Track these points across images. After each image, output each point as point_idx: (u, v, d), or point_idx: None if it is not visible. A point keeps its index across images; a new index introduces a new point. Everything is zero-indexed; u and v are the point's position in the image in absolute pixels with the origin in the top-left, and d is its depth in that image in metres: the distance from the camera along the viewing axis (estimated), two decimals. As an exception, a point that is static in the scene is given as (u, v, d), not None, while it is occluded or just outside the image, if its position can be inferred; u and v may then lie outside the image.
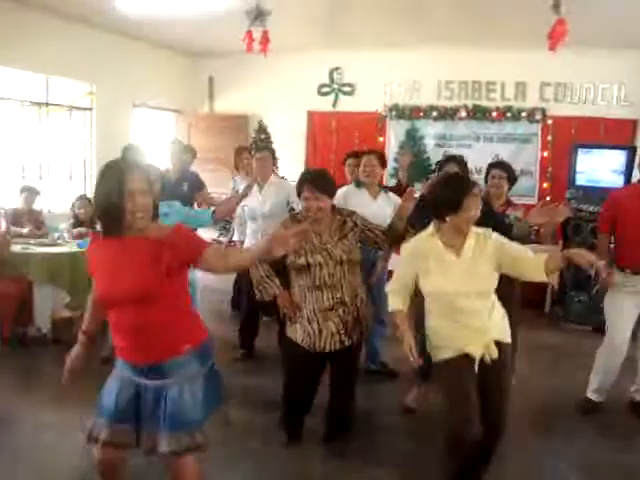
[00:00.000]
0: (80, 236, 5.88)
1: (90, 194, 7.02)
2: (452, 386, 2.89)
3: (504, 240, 2.93)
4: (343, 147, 8.05)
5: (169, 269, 2.22)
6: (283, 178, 5.74)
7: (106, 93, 7.38)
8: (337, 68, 8.29)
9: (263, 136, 7.97)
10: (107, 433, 2.34)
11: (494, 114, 7.66)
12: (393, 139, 8.09)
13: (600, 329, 5.12)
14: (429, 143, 7.97)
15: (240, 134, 8.57)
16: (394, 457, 3.56)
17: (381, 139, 8.11)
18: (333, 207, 3.41)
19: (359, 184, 4.72)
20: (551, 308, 6.75)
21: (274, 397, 3.81)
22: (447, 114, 7.83)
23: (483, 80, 7.73)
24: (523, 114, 7.56)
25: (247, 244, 5.00)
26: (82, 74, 7.09)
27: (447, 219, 2.85)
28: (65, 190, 7.20)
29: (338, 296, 3.27)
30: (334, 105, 8.38)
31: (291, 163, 7.60)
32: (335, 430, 3.62)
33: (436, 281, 2.87)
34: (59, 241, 5.64)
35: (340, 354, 3.36)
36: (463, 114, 7.77)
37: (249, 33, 5.54)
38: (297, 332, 3.37)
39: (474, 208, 2.84)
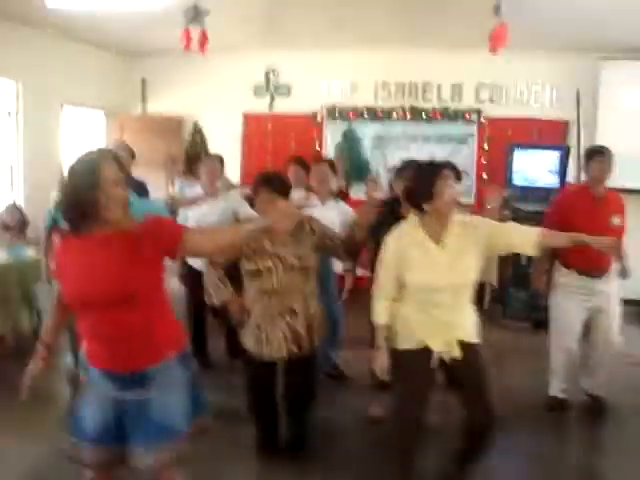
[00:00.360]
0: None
1: (19, 201, 6.68)
2: (405, 379, 2.80)
3: (492, 221, 2.85)
4: (279, 150, 7.95)
5: (150, 263, 2.06)
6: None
7: (33, 92, 7.01)
8: (273, 69, 8.11)
9: (198, 139, 7.74)
10: (93, 455, 2.17)
11: (431, 115, 7.63)
12: (330, 141, 7.96)
13: (540, 325, 5.11)
14: (367, 144, 7.87)
15: (174, 137, 8.29)
16: (350, 461, 3.48)
17: (318, 141, 7.97)
18: None
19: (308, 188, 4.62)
20: (490, 305, 6.72)
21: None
22: (384, 115, 7.76)
23: (420, 81, 7.69)
24: (459, 115, 7.57)
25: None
26: (6, 71, 6.72)
27: (425, 207, 2.70)
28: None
29: (287, 303, 3.12)
30: (270, 107, 8.19)
31: (227, 167, 7.36)
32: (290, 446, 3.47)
33: (422, 275, 2.71)
34: None
35: (291, 364, 3.23)
36: (400, 115, 7.72)
37: (187, 32, 5.33)
38: (248, 339, 3.25)
39: (448, 191, 2.68)
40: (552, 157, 6.49)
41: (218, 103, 8.12)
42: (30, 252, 5.37)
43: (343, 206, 4.58)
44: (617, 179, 5.91)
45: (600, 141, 6.54)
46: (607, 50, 6.77)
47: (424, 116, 7.64)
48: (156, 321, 2.14)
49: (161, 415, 2.11)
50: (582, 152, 6.45)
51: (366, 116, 7.81)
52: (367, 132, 7.86)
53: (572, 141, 7.12)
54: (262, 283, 3.12)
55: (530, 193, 6.36)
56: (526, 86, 7.46)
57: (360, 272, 5.55)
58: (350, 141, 7.90)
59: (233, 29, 6.89)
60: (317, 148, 7.94)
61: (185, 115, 8.33)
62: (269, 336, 3.14)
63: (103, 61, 8.25)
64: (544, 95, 7.42)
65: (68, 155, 7.67)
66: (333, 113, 7.91)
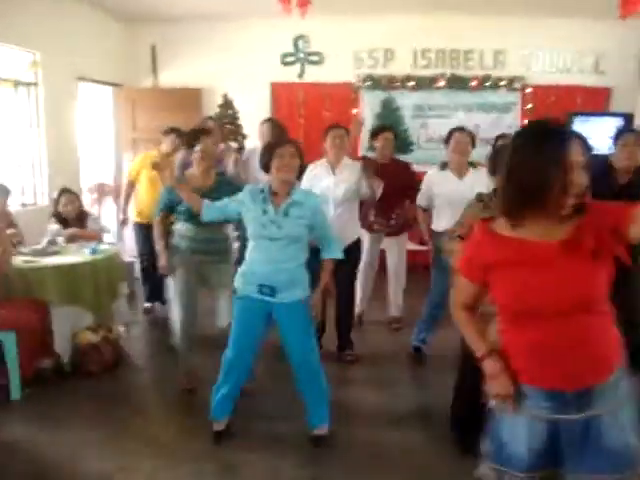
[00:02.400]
0: (73, 239, 4.95)
1: (51, 186, 6.00)
2: None
3: None
4: (312, 121, 7.60)
5: (601, 257, 1.75)
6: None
7: (51, 64, 6.24)
8: (302, 36, 7.65)
9: (230, 111, 7.20)
10: None
11: (473, 83, 7.48)
12: (368, 111, 7.66)
13: None
14: (406, 114, 7.64)
15: (192, 110, 7.68)
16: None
17: (355, 111, 7.64)
18: None
19: (444, 165, 4.39)
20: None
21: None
22: (424, 84, 7.54)
23: (461, 48, 7.50)
24: (502, 83, 7.46)
25: None
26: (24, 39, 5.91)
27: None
28: (15, 180, 6.03)
29: None
30: (300, 76, 7.75)
31: (255, 140, 6.92)
32: None
33: None
34: (55, 248, 4.67)
35: None
36: (441, 84, 7.52)
37: None
38: None
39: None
40: (614, 124, 6.52)
41: (242, 72, 7.60)
42: (112, 250, 4.82)
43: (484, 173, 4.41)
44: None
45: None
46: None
47: (466, 84, 7.48)
48: (608, 328, 1.87)
49: (614, 438, 1.84)
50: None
51: (405, 85, 7.56)
52: (406, 102, 7.63)
53: (617, 107, 7.25)
54: None
55: (593, 162, 6.37)
56: (568, 53, 7.43)
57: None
58: (389, 111, 7.64)
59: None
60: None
61: (204, 86, 7.74)
62: None
63: (104, 27, 7.48)
64: (587, 62, 7.44)
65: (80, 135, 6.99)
66: (370, 82, 7.59)
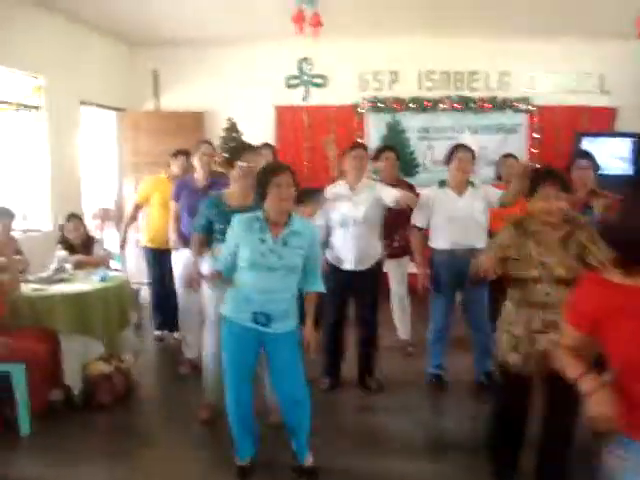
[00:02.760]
0: (79, 265, 4.81)
1: (54, 211, 5.89)
2: None
3: None
4: (317, 143, 7.51)
5: None
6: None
7: (55, 88, 6.15)
8: (306, 59, 7.62)
9: (234, 134, 7.12)
10: None
11: (478, 104, 7.45)
12: (373, 133, 7.60)
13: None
14: (412, 136, 7.59)
15: (195, 134, 7.58)
16: None
17: (360, 134, 7.58)
18: None
19: (442, 183, 4.34)
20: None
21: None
22: (430, 106, 7.50)
23: (465, 70, 7.49)
24: (508, 104, 7.44)
25: (334, 255, 4.37)
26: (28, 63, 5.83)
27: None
28: (18, 206, 5.89)
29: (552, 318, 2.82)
30: (305, 98, 7.70)
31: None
32: None
33: None
34: (63, 275, 4.53)
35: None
36: (446, 105, 7.48)
37: (300, 13, 4.81)
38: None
39: None
40: (623, 145, 6.50)
41: (245, 95, 7.53)
42: (122, 277, 4.69)
43: (485, 189, 4.39)
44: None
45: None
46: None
47: (471, 106, 7.46)
48: None
49: None
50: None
51: (411, 107, 7.51)
52: (412, 124, 7.58)
53: (622, 127, 7.23)
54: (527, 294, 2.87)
55: (602, 181, 6.33)
56: (573, 73, 7.42)
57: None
58: (395, 133, 7.59)
59: (263, 17, 6.42)
60: (359, 140, 7.55)
61: (207, 110, 7.66)
62: (529, 349, 2.88)
63: (107, 51, 7.42)
64: (592, 82, 7.42)
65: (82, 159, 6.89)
66: (375, 104, 7.54)
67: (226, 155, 6.64)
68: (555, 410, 2.94)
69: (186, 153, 5.38)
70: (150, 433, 3.90)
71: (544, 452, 3.03)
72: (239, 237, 3.06)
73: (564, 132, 7.29)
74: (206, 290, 3.85)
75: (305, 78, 7.67)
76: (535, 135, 7.45)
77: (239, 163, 3.63)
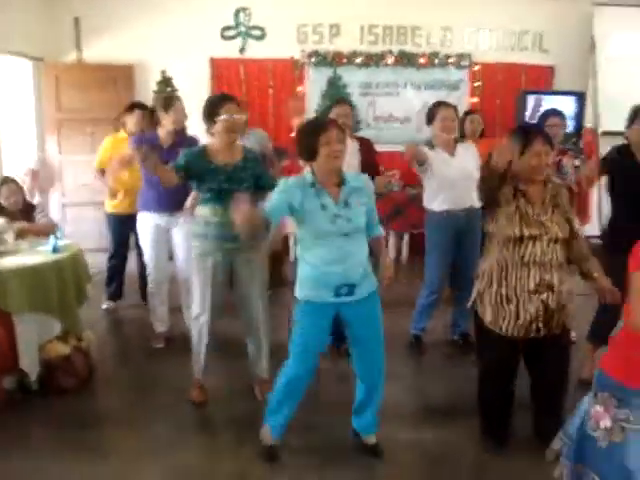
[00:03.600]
0: (22, 235, 4.31)
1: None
2: None
3: None
4: (255, 98, 7.23)
5: None
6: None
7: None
8: (244, 8, 7.19)
9: (169, 89, 6.67)
10: None
11: (421, 60, 7.32)
12: (313, 88, 7.34)
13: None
14: (354, 92, 7.35)
15: (124, 88, 7.08)
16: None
17: (300, 88, 7.31)
18: None
19: (430, 144, 4.19)
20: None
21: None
22: (372, 61, 7.30)
23: (408, 24, 7.31)
24: (450, 60, 7.34)
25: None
26: None
27: None
28: None
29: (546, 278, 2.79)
30: (242, 51, 7.30)
31: (196, 119, 6.44)
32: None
33: None
34: (5, 247, 3.98)
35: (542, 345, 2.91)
36: (389, 60, 7.31)
37: None
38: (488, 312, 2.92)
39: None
40: (566, 102, 6.57)
41: (178, 47, 7.04)
42: (75, 247, 4.16)
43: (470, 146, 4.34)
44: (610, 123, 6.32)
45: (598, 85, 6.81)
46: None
47: (414, 61, 7.31)
48: None
49: None
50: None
51: (352, 61, 7.28)
52: (353, 79, 7.35)
53: (560, 85, 7.34)
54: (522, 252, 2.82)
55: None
56: (513, 31, 7.42)
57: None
58: (336, 88, 7.34)
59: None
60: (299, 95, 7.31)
61: (136, 62, 7.13)
62: (519, 311, 2.83)
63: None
64: (530, 41, 7.45)
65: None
66: (316, 58, 7.26)
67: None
68: (547, 369, 2.94)
69: (142, 106, 4.96)
70: (124, 418, 3.48)
71: (540, 411, 3.05)
72: (297, 203, 2.72)
73: (505, 89, 7.33)
74: (183, 252, 3.63)
75: (242, 29, 7.24)
76: (476, 92, 7.42)
77: (222, 116, 3.26)
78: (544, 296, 2.76)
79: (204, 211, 3.38)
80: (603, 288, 2.72)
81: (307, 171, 2.88)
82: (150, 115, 4.62)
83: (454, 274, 4.33)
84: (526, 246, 2.76)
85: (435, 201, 4.20)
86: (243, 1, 7.14)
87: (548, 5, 7.19)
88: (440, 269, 4.24)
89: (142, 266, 4.94)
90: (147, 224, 4.31)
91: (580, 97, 6.77)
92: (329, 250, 2.74)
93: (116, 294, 5.26)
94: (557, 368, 2.94)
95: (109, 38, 7.13)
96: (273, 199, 2.77)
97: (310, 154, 2.73)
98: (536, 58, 7.43)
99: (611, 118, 6.45)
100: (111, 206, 5.08)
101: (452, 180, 4.06)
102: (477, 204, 3.93)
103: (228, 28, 7.25)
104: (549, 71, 7.43)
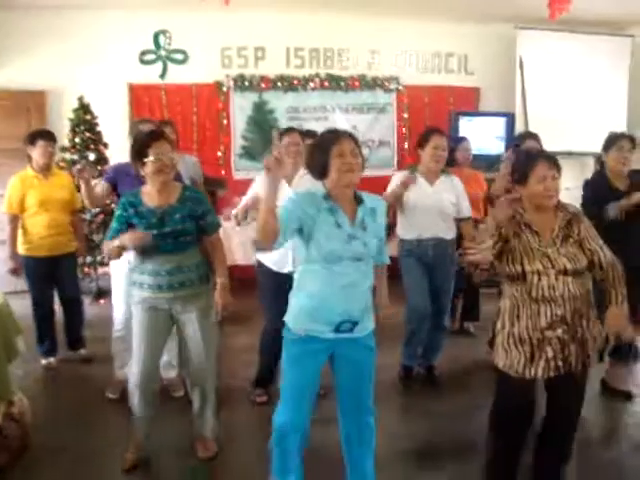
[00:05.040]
0: None
1: None
2: None
3: None
4: (178, 124, 6.80)
5: None
6: None
7: None
8: (164, 31, 6.87)
9: (88, 117, 6.25)
10: None
11: (348, 83, 7.22)
12: (239, 114, 7.08)
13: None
14: (280, 117, 7.16)
15: (36, 116, 6.61)
16: None
17: (225, 115, 7.04)
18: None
19: (414, 168, 4.02)
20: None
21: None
22: (299, 84, 7.13)
23: (335, 47, 7.21)
24: (377, 83, 7.28)
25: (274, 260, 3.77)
26: None
27: None
28: None
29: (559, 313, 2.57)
30: (162, 76, 6.96)
31: (116, 147, 6.07)
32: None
33: None
34: None
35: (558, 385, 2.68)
36: (316, 84, 7.15)
37: None
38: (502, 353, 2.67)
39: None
40: (498, 124, 6.60)
41: (94, 72, 6.66)
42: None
43: (455, 181, 4.11)
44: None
45: (527, 106, 6.92)
46: (520, 20, 7.04)
47: (341, 84, 7.20)
48: None
49: None
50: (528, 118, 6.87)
51: (278, 86, 7.09)
52: (280, 103, 7.15)
53: (485, 107, 7.42)
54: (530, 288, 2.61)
55: (479, 160, 6.40)
56: (438, 54, 7.48)
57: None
58: (262, 113, 7.13)
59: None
60: (224, 121, 7.04)
61: (49, 88, 6.66)
62: (534, 351, 2.60)
63: None
64: (456, 63, 7.51)
65: None
66: (241, 82, 7.02)
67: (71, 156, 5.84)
68: (557, 417, 2.73)
69: (46, 134, 4.52)
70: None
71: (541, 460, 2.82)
72: (308, 217, 2.44)
73: (432, 111, 7.34)
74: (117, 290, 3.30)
75: (162, 53, 6.92)
76: (404, 114, 7.40)
77: (151, 157, 2.92)
78: (559, 332, 2.54)
79: (140, 259, 3.03)
80: (608, 324, 2.55)
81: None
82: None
83: (431, 305, 4.12)
84: (531, 282, 2.54)
85: (406, 229, 4.03)
86: (163, 24, 6.82)
87: (472, 28, 7.28)
88: (419, 293, 3.99)
89: (68, 313, 4.64)
90: (121, 270, 3.81)
91: (510, 118, 6.82)
92: (337, 276, 2.47)
93: (52, 349, 4.66)
94: (570, 407, 2.72)
95: (18, 61, 6.61)
96: (281, 215, 2.41)
97: (322, 168, 2.48)
98: (462, 80, 7.50)
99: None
100: (25, 247, 4.49)
101: (425, 209, 3.90)
102: (448, 236, 3.92)
103: (147, 52, 6.91)
104: (475, 92, 7.52)
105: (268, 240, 2.36)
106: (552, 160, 2.60)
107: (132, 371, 3.12)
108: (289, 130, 3.90)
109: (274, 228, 2.32)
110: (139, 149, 2.97)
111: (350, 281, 2.47)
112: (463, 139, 5.23)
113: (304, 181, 3.52)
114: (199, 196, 3.19)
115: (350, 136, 2.53)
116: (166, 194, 3.02)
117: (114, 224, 2.98)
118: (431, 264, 3.99)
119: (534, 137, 4.38)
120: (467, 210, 4.06)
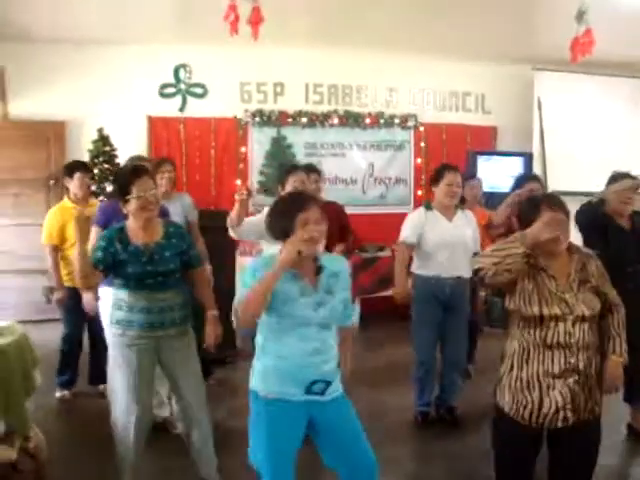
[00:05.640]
0: None
1: None
2: None
3: None
4: (195, 158, 6.94)
5: None
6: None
7: None
8: (184, 65, 6.93)
9: (107, 148, 6.26)
10: None
11: (366, 120, 7.25)
12: (257, 148, 7.10)
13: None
14: (298, 152, 7.17)
15: (55, 147, 6.65)
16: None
17: (243, 149, 7.05)
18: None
19: (429, 206, 3.99)
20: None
21: None
22: (317, 120, 7.16)
23: (353, 84, 7.27)
24: (395, 120, 7.31)
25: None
26: None
27: None
28: None
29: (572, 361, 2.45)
30: (181, 109, 7.01)
31: None
32: None
33: None
34: None
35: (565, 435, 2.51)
36: (334, 120, 7.19)
37: (232, 7, 3.96)
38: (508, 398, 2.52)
39: None
40: (515, 164, 6.60)
41: (114, 104, 6.70)
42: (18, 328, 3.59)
43: (470, 215, 4.16)
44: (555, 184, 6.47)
45: (545, 146, 6.93)
46: (538, 61, 7.09)
47: (359, 121, 7.24)
48: None
49: None
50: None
51: (297, 121, 7.12)
52: (298, 139, 7.17)
53: (502, 146, 7.45)
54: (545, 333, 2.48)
55: (496, 199, 6.37)
56: (456, 92, 7.55)
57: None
58: (280, 148, 7.14)
59: (139, 20, 5.87)
60: (242, 156, 7.05)
61: (69, 119, 6.69)
62: (542, 398, 2.47)
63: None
64: (473, 102, 7.57)
65: None
66: (260, 117, 7.05)
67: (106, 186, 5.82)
68: (564, 473, 2.57)
69: (83, 167, 4.56)
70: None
71: None
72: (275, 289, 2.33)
73: (449, 150, 7.35)
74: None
75: (182, 87, 6.97)
76: (422, 152, 7.42)
77: (134, 194, 2.88)
78: (570, 381, 2.42)
79: (126, 296, 2.95)
80: (608, 376, 2.47)
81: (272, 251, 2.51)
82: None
83: (443, 347, 4.08)
84: (548, 327, 2.42)
85: (424, 266, 3.96)
86: (183, 58, 6.88)
87: (489, 68, 7.34)
88: (429, 340, 3.97)
89: (96, 351, 4.51)
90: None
91: (528, 158, 6.83)
92: (301, 340, 2.36)
93: (71, 382, 4.61)
94: (584, 462, 2.55)
95: (39, 92, 6.66)
96: (246, 283, 2.35)
97: (284, 234, 2.36)
98: (479, 119, 7.54)
99: (557, 178, 6.57)
100: (67, 278, 4.45)
101: (446, 246, 3.85)
102: (467, 274, 3.69)
103: (167, 85, 6.96)
104: (492, 131, 7.55)
105: (255, 319, 2.34)
106: (557, 204, 2.49)
107: (122, 412, 3.01)
108: (293, 170, 3.84)
109: (264, 307, 2.29)
110: (122, 186, 2.94)
111: (320, 345, 2.38)
112: (471, 177, 5.18)
113: None
114: (182, 231, 3.19)
115: (316, 202, 2.44)
116: (150, 231, 2.98)
117: (98, 253, 2.87)
118: (447, 303, 3.92)
119: (535, 179, 4.34)
120: (478, 246, 4.03)
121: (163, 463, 3.44)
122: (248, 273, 2.38)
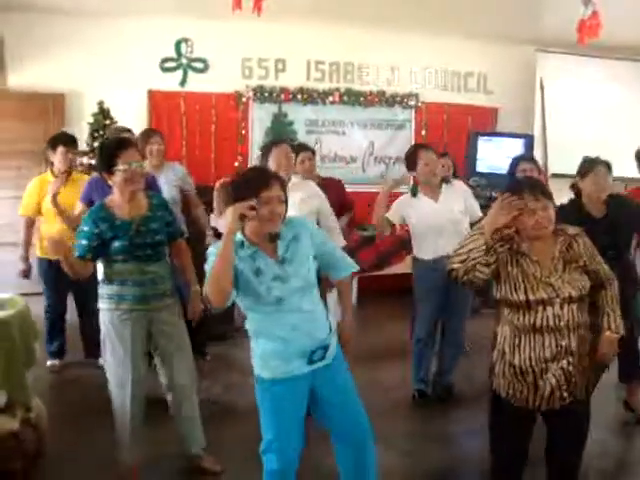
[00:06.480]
0: None
1: None
2: None
3: None
4: (195, 134, 6.92)
5: None
6: None
7: None
8: (186, 39, 6.87)
9: (108, 121, 6.22)
10: None
11: (367, 98, 7.22)
12: (258, 125, 7.07)
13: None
14: (299, 129, 7.15)
15: (54, 119, 6.60)
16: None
17: (244, 125, 7.03)
18: None
19: (415, 191, 3.96)
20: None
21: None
22: (318, 97, 7.13)
23: (355, 62, 7.23)
24: (397, 99, 7.28)
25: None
26: None
27: None
28: None
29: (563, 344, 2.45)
30: (182, 84, 6.96)
31: None
32: None
33: None
34: None
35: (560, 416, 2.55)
36: (335, 98, 7.15)
37: None
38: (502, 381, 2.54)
39: None
40: (516, 145, 6.59)
41: (114, 77, 6.62)
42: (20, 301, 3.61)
43: (457, 185, 4.13)
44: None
45: (546, 128, 6.93)
46: (541, 43, 7.06)
47: (361, 99, 7.21)
48: None
49: None
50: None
51: (298, 98, 7.08)
52: (299, 115, 7.14)
53: (502, 127, 7.43)
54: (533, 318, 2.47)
55: (496, 180, 6.36)
56: (458, 73, 7.50)
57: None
58: (281, 125, 7.12)
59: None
60: (242, 131, 7.03)
61: (68, 91, 6.66)
62: (537, 383, 2.48)
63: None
64: (475, 82, 7.54)
65: None
66: (261, 93, 7.01)
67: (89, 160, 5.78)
68: (559, 449, 2.61)
69: (68, 140, 4.49)
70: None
71: None
72: (236, 272, 2.30)
73: (450, 130, 7.34)
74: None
75: (183, 61, 6.91)
76: (422, 132, 7.41)
77: (120, 166, 2.84)
78: (564, 362, 2.43)
79: (117, 270, 2.94)
80: (602, 352, 2.52)
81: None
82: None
83: (444, 327, 4.15)
84: (536, 311, 2.41)
85: (422, 249, 3.98)
86: (185, 32, 6.83)
87: (492, 48, 7.30)
88: (430, 320, 4.02)
89: (84, 321, 4.54)
90: None
91: (529, 140, 6.81)
92: (288, 315, 2.35)
93: (60, 352, 4.65)
94: (574, 438, 2.60)
95: (39, 64, 6.60)
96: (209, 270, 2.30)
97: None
98: (481, 99, 7.52)
99: (558, 160, 6.57)
100: (41, 248, 4.44)
101: (432, 228, 3.86)
102: None
103: (168, 59, 6.90)
104: (493, 112, 7.53)
105: (223, 296, 2.24)
106: (538, 190, 2.45)
107: (116, 385, 3.03)
108: (278, 142, 3.76)
109: (230, 281, 2.23)
110: (107, 158, 2.90)
111: (302, 315, 2.37)
112: (442, 155, 5.10)
113: (295, 189, 3.49)
114: (166, 203, 3.19)
115: (280, 180, 2.40)
116: (137, 203, 2.97)
117: (83, 241, 2.85)
118: (450, 282, 3.93)
119: (529, 160, 4.24)
120: (479, 209, 4.02)
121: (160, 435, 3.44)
122: (209, 259, 2.33)
